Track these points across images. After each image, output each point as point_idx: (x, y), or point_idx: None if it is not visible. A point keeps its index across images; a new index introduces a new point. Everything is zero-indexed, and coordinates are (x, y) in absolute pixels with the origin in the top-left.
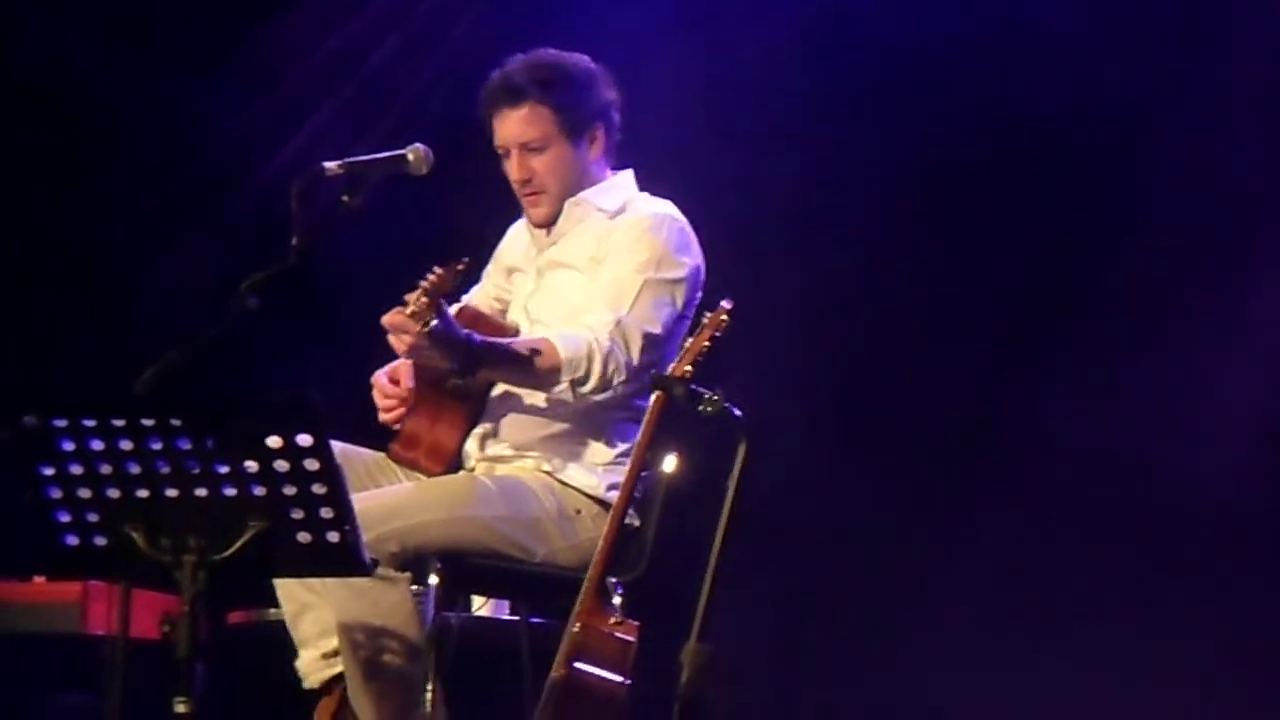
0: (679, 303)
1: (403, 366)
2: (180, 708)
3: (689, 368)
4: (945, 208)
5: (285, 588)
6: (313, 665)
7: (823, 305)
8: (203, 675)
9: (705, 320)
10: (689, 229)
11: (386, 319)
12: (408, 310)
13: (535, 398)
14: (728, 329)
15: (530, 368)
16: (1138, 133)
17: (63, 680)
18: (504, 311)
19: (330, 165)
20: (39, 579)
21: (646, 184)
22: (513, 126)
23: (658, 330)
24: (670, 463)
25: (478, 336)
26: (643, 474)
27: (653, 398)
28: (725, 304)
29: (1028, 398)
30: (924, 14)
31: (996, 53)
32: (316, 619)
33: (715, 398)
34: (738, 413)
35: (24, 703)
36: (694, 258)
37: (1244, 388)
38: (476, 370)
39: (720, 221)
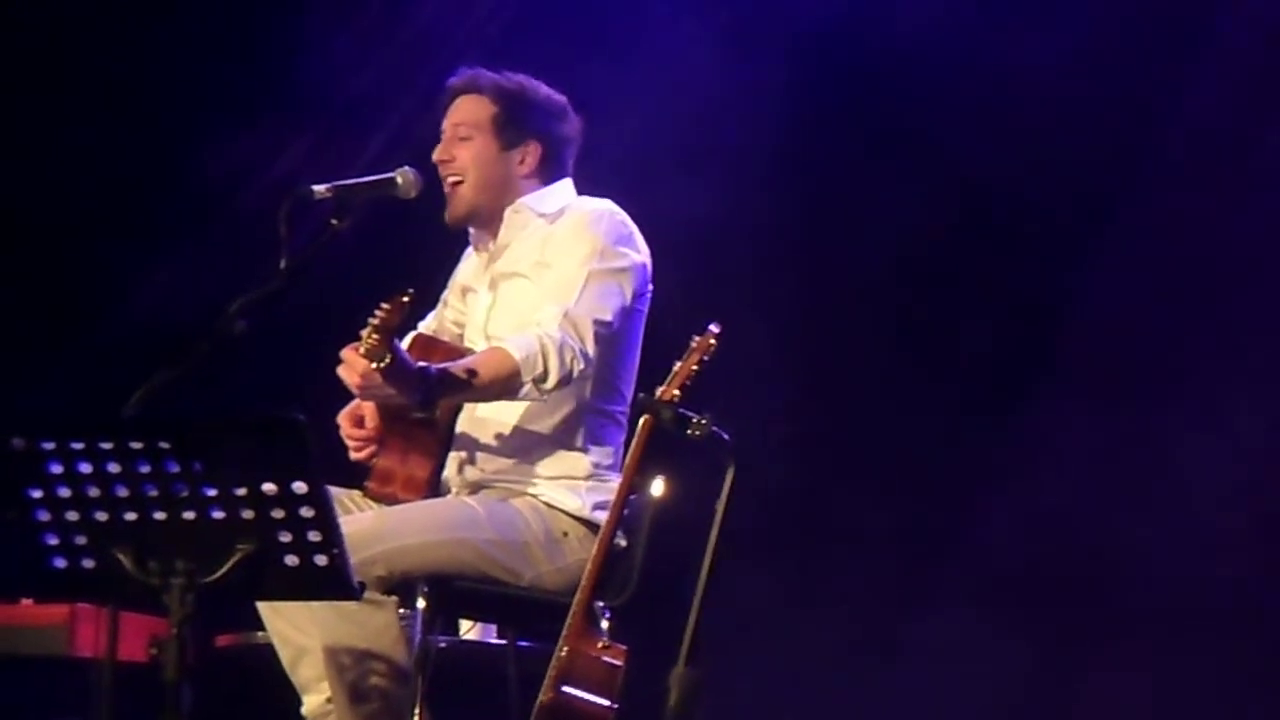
0: (627, 293)
1: (365, 404)
2: None
3: (677, 391)
4: (918, 269)
5: (278, 634)
6: (319, 710)
7: (805, 331)
8: (190, 698)
9: (694, 344)
10: (630, 224)
11: (345, 353)
12: (361, 349)
13: (505, 418)
14: (715, 353)
15: (489, 381)
16: (1102, 207)
17: (50, 703)
18: (461, 335)
19: (319, 188)
20: (26, 601)
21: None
22: (454, 110)
23: (608, 317)
24: (658, 486)
25: (433, 367)
26: (631, 497)
27: (641, 421)
28: (713, 327)
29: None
30: (907, 85)
31: (965, 123)
32: (314, 663)
33: (703, 421)
34: (726, 436)
35: None
36: (637, 251)
37: (1208, 466)
38: (436, 401)
39: (704, 254)
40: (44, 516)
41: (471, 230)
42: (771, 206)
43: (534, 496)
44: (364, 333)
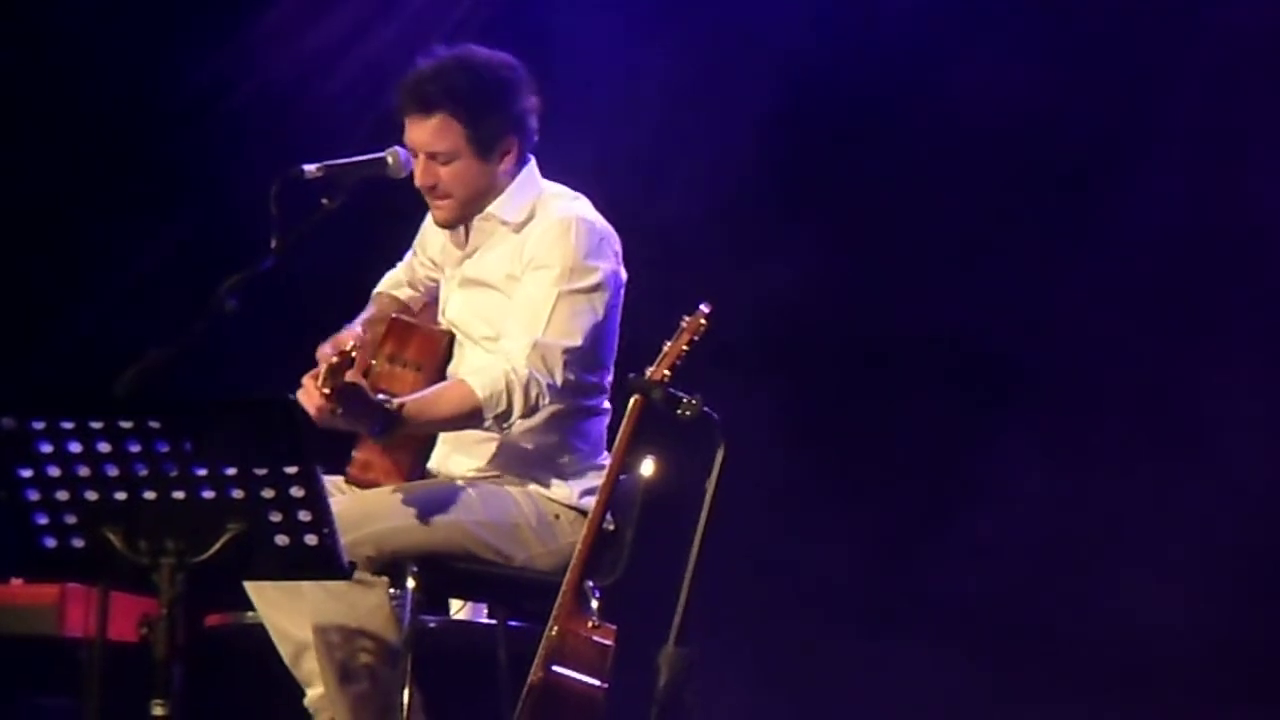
0: (599, 309)
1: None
2: (158, 710)
3: (667, 371)
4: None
5: (277, 629)
6: (322, 702)
7: (792, 313)
8: (180, 678)
9: (684, 324)
10: (600, 226)
11: (305, 379)
12: (319, 379)
13: None
14: (706, 333)
15: (449, 417)
16: (1065, 247)
17: (40, 683)
18: (437, 285)
19: (309, 168)
20: (16, 581)
21: (609, 188)
22: (421, 135)
23: (578, 342)
24: (648, 466)
25: (393, 400)
26: (620, 477)
27: (631, 401)
28: (704, 307)
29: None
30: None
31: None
32: (315, 656)
33: (693, 401)
34: (716, 416)
35: (0, 706)
36: (608, 260)
37: (1163, 510)
38: (394, 433)
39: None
40: (34, 496)
41: None
42: (754, 210)
43: (522, 484)
44: (322, 368)
